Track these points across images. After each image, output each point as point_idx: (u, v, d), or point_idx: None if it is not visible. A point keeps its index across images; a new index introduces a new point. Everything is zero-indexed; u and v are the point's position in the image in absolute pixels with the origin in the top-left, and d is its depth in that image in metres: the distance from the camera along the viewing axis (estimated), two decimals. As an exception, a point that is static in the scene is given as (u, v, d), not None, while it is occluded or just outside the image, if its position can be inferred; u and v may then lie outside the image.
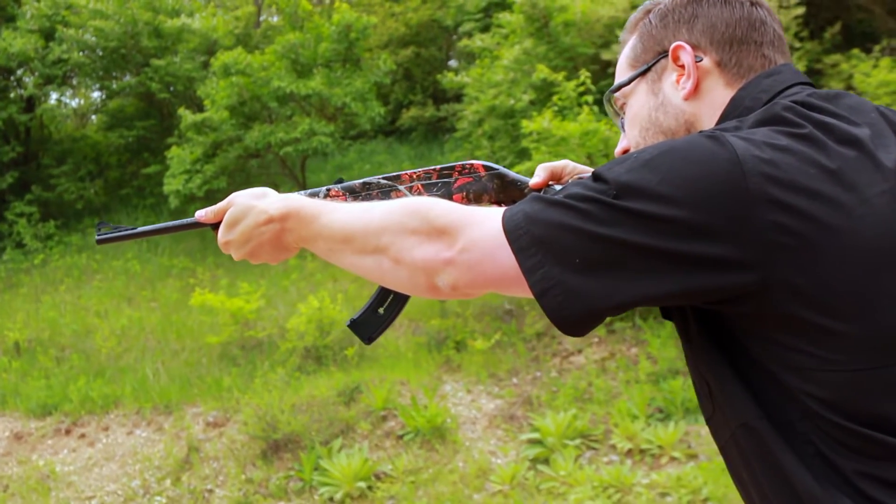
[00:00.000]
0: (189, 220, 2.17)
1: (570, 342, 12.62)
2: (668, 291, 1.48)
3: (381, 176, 2.18)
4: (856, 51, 14.16)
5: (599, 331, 12.67)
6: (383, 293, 2.20)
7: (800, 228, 1.42)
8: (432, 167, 2.16)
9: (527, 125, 12.99)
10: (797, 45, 14.24)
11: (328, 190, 2.18)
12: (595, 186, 1.52)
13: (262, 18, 26.55)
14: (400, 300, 2.21)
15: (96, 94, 25.69)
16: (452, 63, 24.94)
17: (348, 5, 20.29)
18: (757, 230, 1.43)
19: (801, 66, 13.97)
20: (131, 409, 12.79)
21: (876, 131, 1.56)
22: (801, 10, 13.81)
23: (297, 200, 1.93)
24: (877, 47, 14.34)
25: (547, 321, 13.11)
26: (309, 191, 2.16)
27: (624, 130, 1.94)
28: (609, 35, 15.98)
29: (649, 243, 1.46)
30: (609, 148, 12.60)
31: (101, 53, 21.70)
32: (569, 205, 1.51)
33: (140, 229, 2.24)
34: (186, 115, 18.19)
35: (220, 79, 18.35)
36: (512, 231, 1.55)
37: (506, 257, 1.55)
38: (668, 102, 1.82)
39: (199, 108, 19.57)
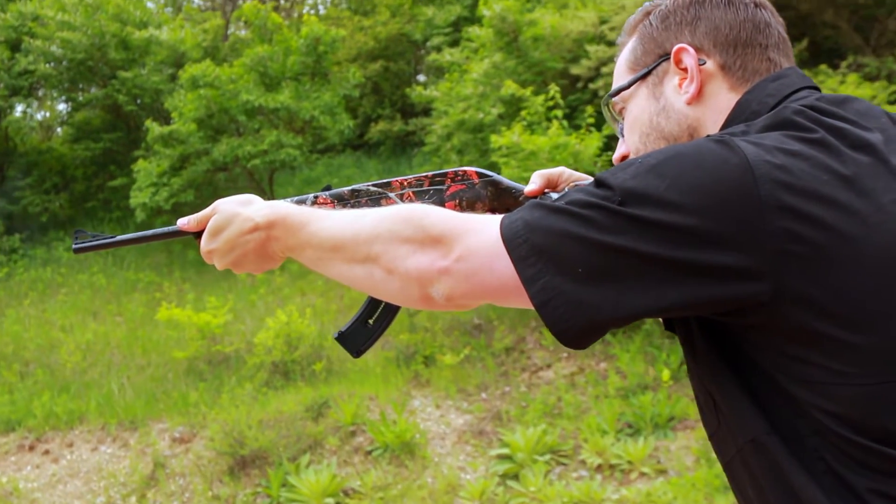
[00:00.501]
0: (171, 227, 2.08)
1: (538, 357, 12.60)
2: (675, 302, 1.42)
3: (370, 183, 2.10)
4: (823, 66, 14.22)
5: (568, 345, 12.63)
6: (372, 304, 2.12)
7: (813, 237, 1.37)
8: (424, 174, 2.09)
9: (496, 140, 12.98)
10: (765, 60, 14.25)
11: (316, 197, 2.10)
12: (598, 193, 1.46)
13: (229, 32, 26.46)
14: (390, 311, 2.13)
15: (62, 107, 25.56)
16: (421, 77, 24.92)
17: (317, 18, 20.24)
18: (768, 238, 1.37)
19: (769, 82, 13.98)
20: (96, 424, 12.65)
21: (888, 136, 1.51)
22: (769, 26, 13.82)
23: (283, 208, 1.86)
24: (844, 63, 14.42)
25: (516, 335, 13.15)
26: (296, 198, 2.07)
27: (622, 136, 1.88)
28: (578, 50, 16.00)
29: (656, 252, 1.40)
30: (579, 162, 12.60)
31: (67, 65, 21.55)
32: (571, 211, 1.45)
33: (120, 238, 2.15)
34: (154, 128, 18.08)
35: (188, 91, 18.27)
36: (511, 239, 1.49)
37: (504, 267, 1.49)
38: (670, 107, 1.76)
39: (167, 120, 19.47)
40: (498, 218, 1.55)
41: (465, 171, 2.06)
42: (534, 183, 2.04)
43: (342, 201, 2.08)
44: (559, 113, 13.58)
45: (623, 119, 1.87)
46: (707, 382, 1.58)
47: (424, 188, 2.07)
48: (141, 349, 14.69)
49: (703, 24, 1.74)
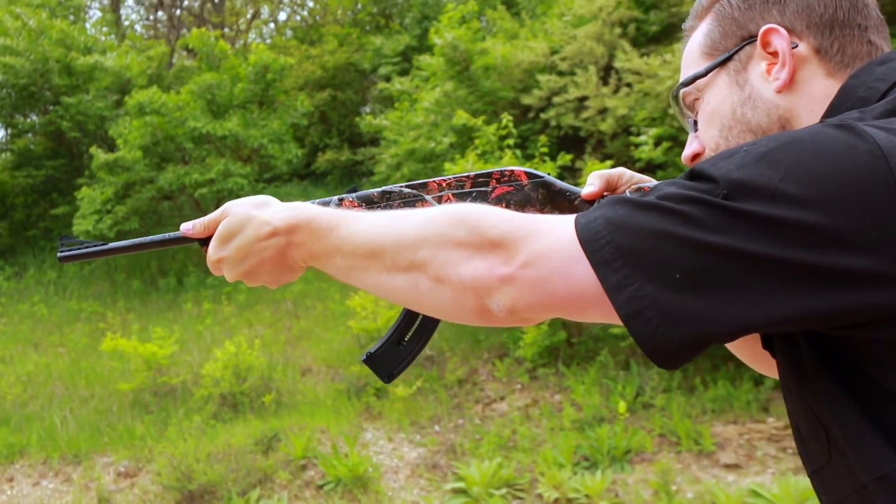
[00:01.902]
0: (172, 234, 1.85)
1: (492, 389, 12.45)
2: (793, 314, 1.20)
3: (403, 184, 1.86)
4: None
5: (522, 377, 12.54)
6: (406, 321, 1.90)
7: None
8: (465, 174, 1.85)
9: (450, 168, 12.89)
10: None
11: (340, 200, 1.87)
12: (697, 186, 1.26)
13: (174, 60, 26.23)
14: (426, 330, 1.89)
15: (1, 133, 25.11)
16: (368, 108, 24.84)
17: (266, 46, 20.12)
18: None
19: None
20: (38, 458, 12.30)
21: None
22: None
23: (307, 209, 1.64)
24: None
25: (470, 366, 13.00)
26: (316, 201, 1.81)
27: (695, 131, 1.66)
28: (528, 80, 15.99)
29: (771, 253, 1.19)
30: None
31: (9, 91, 21.20)
32: (665, 207, 1.25)
33: (113, 245, 1.91)
34: (98, 155, 17.81)
35: (134, 118, 18.04)
36: (591, 241, 1.29)
37: (582, 273, 1.29)
38: (758, 95, 1.54)
39: (111, 147, 19.19)
40: (569, 217, 1.36)
41: (512, 171, 1.84)
42: (592, 185, 1.83)
43: (371, 204, 1.86)
44: (512, 142, 13.53)
45: (696, 112, 1.66)
46: (819, 409, 1.35)
47: (466, 190, 1.85)
48: (84, 381, 14.35)
49: (793, 2, 1.54)
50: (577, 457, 10.61)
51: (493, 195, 1.83)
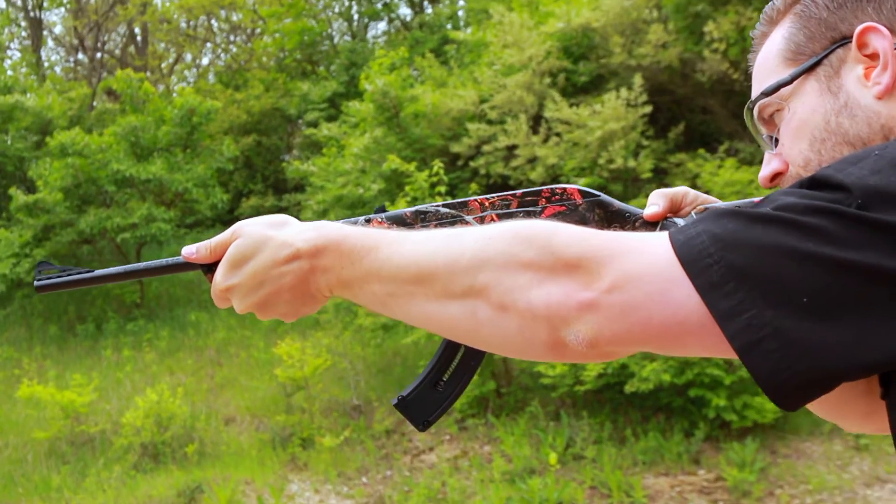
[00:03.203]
0: (171, 259, 1.61)
1: (420, 439, 12.26)
2: None
3: (441, 203, 1.62)
4: (701, 151, 14.42)
5: (451, 427, 12.37)
6: (444, 361, 1.63)
7: None
8: (511, 192, 1.61)
9: (380, 215, 12.73)
10: (644, 143, 14.43)
11: (368, 220, 1.62)
12: (824, 195, 1.08)
13: (95, 103, 25.89)
14: (467, 370, 1.64)
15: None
16: (294, 152, 24.71)
17: (192, 89, 19.92)
18: None
19: (647, 165, 14.18)
20: (-53, 510, 11.90)
21: None
22: (648, 109, 14.02)
23: (336, 229, 1.41)
24: (721, 147, 14.64)
25: (398, 417, 12.78)
26: (340, 222, 1.54)
27: (774, 147, 1.46)
28: (458, 128, 15.99)
29: None
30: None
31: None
32: (786, 219, 1.07)
33: (97, 273, 1.65)
34: (18, 196, 17.42)
35: (56, 159, 17.68)
36: (694, 260, 1.09)
37: (683, 297, 1.09)
38: (855, 103, 1.35)
39: (31, 189, 18.78)
40: (658, 234, 1.17)
41: (564, 189, 1.61)
42: (655, 205, 1.59)
43: (403, 226, 1.61)
44: (443, 189, 13.46)
45: (774, 126, 1.46)
46: None
47: (512, 210, 1.60)
48: (-2, 429, 13.95)
49: None
50: (508, 509, 10.48)
51: (543, 215, 1.60)
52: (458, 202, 1.60)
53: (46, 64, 31.30)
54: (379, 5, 27.11)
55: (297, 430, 12.60)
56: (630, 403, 11.80)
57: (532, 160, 14.49)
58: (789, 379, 1.03)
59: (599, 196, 1.60)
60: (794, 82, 1.41)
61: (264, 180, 23.46)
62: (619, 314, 1.12)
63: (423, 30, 23.79)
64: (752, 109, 1.47)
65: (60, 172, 17.38)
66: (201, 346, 16.19)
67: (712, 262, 1.08)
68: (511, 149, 14.86)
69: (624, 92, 14.05)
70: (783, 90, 1.42)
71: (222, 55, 31.97)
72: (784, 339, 1.03)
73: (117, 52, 31.94)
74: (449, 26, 23.43)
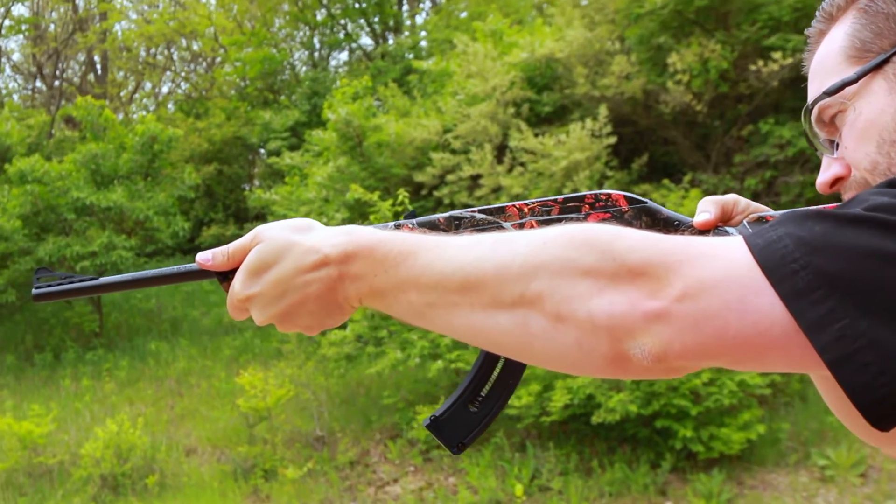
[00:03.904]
0: (185, 266, 1.48)
1: (385, 471, 12.15)
2: None
3: (475, 209, 1.49)
4: (665, 181, 14.46)
5: (415, 458, 12.26)
6: (480, 378, 1.50)
7: None
8: (552, 197, 1.49)
9: (345, 243, 12.66)
10: (609, 173, 14.45)
11: (398, 226, 1.50)
12: None
13: (53, 131, 25.67)
14: (505, 388, 1.51)
15: None
16: (256, 182, 24.62)
17: (153, 116, 19.79)
18: None
19: (612, 195, 14.16)
20: None
21: None
22: (613, 140, 14.05)
23: (368, 234, 1.29)
24: (685, 178, 14.68)
25: (360, 448, 12.67)
26: (369, 227, 1.39)
27: (835, 151, 1.36)
28: (421, 157, 15.95)
29: None
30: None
31: None
32: (881, 221, 0.99)
33: (102, 281, 1.51)
34: (-26, 224, 17.20)
35: (15, 186, 17.48)
36: (777, 265, 1.00)
37: (765, 306, 0.99)
38: None
39: (-12, 216, 18.56)
40: (732, 238, 1.07)
41: (608, 196, 1.49)
42: (706, 212, 1.46)
43: (437, 232, 1.48)
44: (407, 219, 13.38)
45: (835, 129, 1.37)
46: None
47: (553, 217, 1.48)
48: (-48, 461, 13.67)
49: None
50: (475, 541, 10.39)
51: (587, 221, 1.48)
52: (495, 208, 1.49)
53: (4, 91, 31.05)
54: (341, 35, 27.11)
55: (259, 462, 12.44)
56: (596, 434, 11.75)
57: (496, 189, 14.46)
58: (888, 396, 0.95)
59: (647, 203, 1.50)
60: (860, 81, 1.31)
61: (225, 209, 23.34)
62: (691, 325, 1.02)
63: (385, 60, 23.80)
64: (810, 111, 1.38)
65: (19, 200, 17.19)
66: (161, 375, 15.99)
67: (798, 267, 0.99)
68: (475, 178, 14.83)
69: (589, 122, 14.08)
70: (847, 90, 1.32)
71: (182, 84, 31.85)
72: (881, 352, 0.94)
73: (76, 80, 31.72)
74: (410, 56, 23.46)
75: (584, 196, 1.48)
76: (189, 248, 22.87)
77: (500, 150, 15.02)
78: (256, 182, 24.39)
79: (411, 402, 12.79)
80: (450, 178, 15.06)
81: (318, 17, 27.17)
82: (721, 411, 10.99)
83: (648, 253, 1.06)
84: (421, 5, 29.75)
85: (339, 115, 15.66)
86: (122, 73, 31.88)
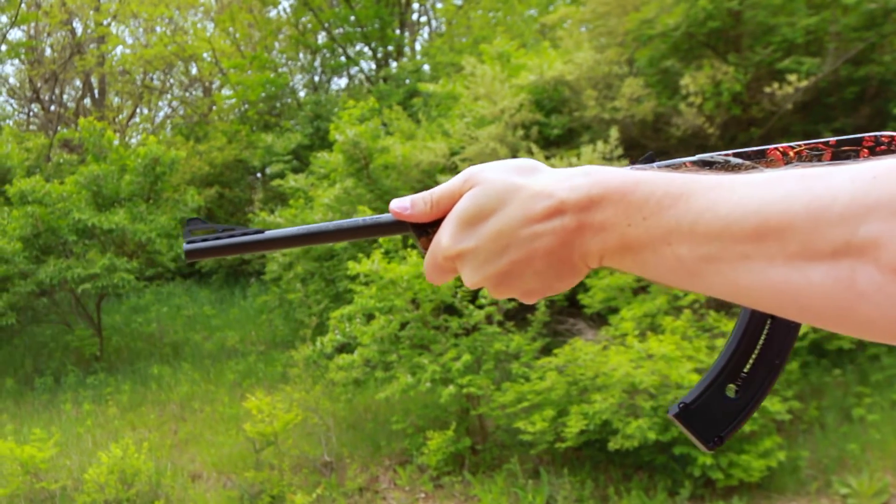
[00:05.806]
0: (370, 218, 1.21)
1: (395, 497, 11.92)
2: None
3: (728, 152, 1.18)
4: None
5: (426, 485, 12.03)
6: (739, 357, 1.21)
7: None
8: (822, 139, 1.18)
9: (353, 267, 12.48)
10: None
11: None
12: None
13: (51, 155, 25.53)
14: (769, 371, 1.20)
15: None
16: (258, 205, 24.48)
17: (155, 138, 19.65)
18: None
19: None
20: None
21: None
22: (625, 163, 13.89)
23: (616, 173, 1.01)
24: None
25: (369, 475, 12.43)
26: (605, 167, 1.09)
27: None
28: (428, 180, 15.78)
29: None
30: (437, 293, 12.20)
31: None
32: None
33: (268, 235, 1.25)
34: (-26, 246, 17.00)
35: (16, 207, 17.28)
36: None
37: None
38: None
39: (-13, 238, 18.37)
40: None
41: (892, 138, 1.18)
42: None
43: None
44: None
45: None
46: None
47: (824, 163, 1.12)
48: (-49, 486, 13.41)
49: None
50: (491, 569, 10.16)
51: None
52: (754, 150, 1.18)
53: (1, 114, 30.91)
54: (342, 58, 27.01)
55: (266, 488, 12.20)
56: (611, 461, 11.53)
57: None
58: None
59: None
60: None
61: (226, 232, 23.18)
62: None
63: (388, 83, 23.67)
64: None
65: (20, 221, 17.00)
66: (164, 400, 15.76)
67: None
68: (484, 201, 14.68)
69: (600, 145, 13.93)
70: None
71: (180, 108, 31.68)
72: None
73: (71, 104, 31.55)
74: (408, 82, 23.32)
75: (863, 139, 1.19)
76: (189, 272, 22.68)
77: (510, 173, 14.87)
78: (258, 205, 24.25)
79: (421, 427, 12.58)
80: (458, 200, 14.91)
81: (319, 41, 27.09)
82: (741, 437, 10.78)
83: None
84: (420, 31, 29.72)
85: (346, 136, 15.52)
86: (117, 99, 31.78)
